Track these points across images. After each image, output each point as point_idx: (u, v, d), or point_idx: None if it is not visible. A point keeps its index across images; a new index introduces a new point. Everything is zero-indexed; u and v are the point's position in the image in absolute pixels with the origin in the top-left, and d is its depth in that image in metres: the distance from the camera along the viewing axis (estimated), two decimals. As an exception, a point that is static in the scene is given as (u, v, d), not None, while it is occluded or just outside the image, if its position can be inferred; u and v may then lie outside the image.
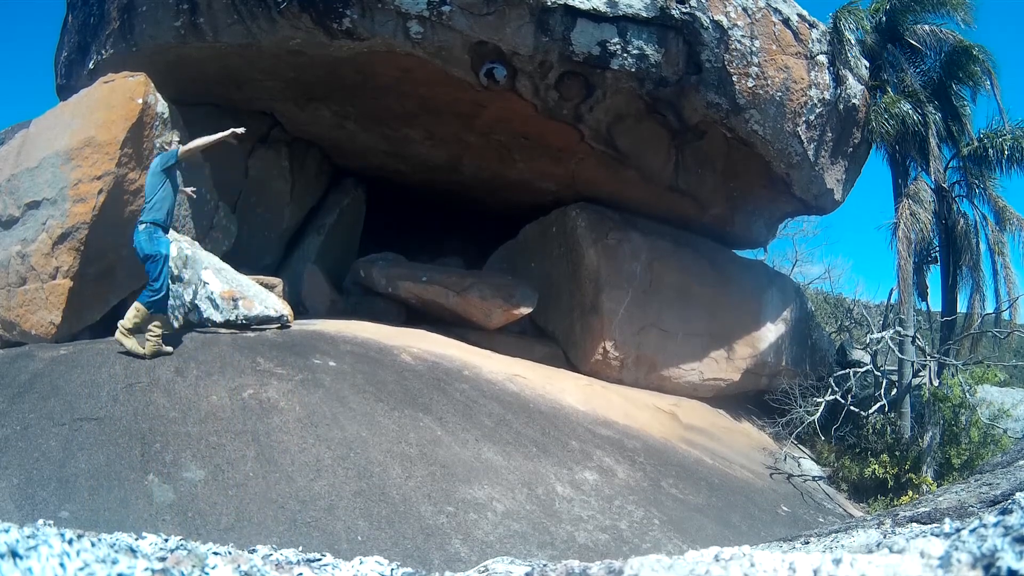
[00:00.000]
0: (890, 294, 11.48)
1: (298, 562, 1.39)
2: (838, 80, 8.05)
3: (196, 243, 6.60)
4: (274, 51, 6.95)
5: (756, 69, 7.13)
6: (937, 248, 9.87)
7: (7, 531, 0.85)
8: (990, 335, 9.58)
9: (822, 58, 7.85)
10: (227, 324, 6.06)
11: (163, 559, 1.00)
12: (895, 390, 8.72)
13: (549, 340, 9.08)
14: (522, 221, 9.68)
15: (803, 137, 7.86)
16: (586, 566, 1.05)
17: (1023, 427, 8.99)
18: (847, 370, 8.86)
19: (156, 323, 5.23)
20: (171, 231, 6.46)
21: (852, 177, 9.43)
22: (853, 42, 8.41)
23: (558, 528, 4.40)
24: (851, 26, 8.43)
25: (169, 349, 5.30)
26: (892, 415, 8.61)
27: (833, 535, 2.60)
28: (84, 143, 6.03)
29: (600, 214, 8.78)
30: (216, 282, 6.14)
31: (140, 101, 6.28)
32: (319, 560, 1.44)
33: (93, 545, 0.91)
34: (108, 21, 7.33)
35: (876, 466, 7.82)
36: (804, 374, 9.17)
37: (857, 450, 8.42)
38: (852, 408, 8.25)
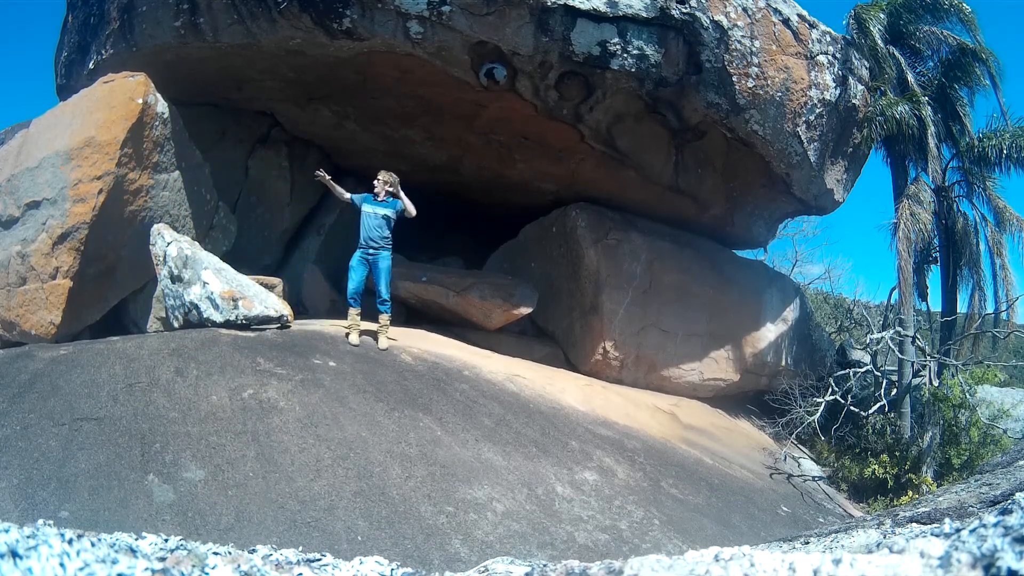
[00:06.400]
0: (890, 294, 11.47)
1: (298, 562, 1.39)
2: (838, 80, 8.05)
3: (196, 243, 6.60)
4: (274, 51, 6.95)
5: (756, 69, 7.13)
6: (937, 248, 9.87)
7: (7, 531, 0.85)
8: (990, 335, 9.57)
9: (822, 58, 7.84)
10: (227, 324, 6.05)
11: (163, 559, 1.00)
12: (895, 390, 8.71)
13: (549, 340, 9.07)
14: (522, 221, 9.67)
15: (803, 137, 7.86)
16: (586, 566, 1.05)
17: (1023, 427, 8.98)
18: (847, 370, 8.84)
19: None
20: (170, 231, 6.47)
21: (852, 177, 9.42)
22: (878, 38, 8.39)
23: (558, 528, 4.40)
24: (876, 26, 8.42)
25: (391, 341, 6.44)
26: (892, 415, 8.60)
27: (833, 535, 2.60)
28: (84, 143, 6.03)
29: (600, 214, 8.78)
30: (216, 282, 6.13)
31: (140, 101, 6.28)
32: (319, 560, 1.44)
33: (93, 545, 0.91)
34: (108, 21, 7.32)
35: (876, 466, 7.82)
36: (804, 374, 9.17)
37: (857, 450, 8.42)
38: (852, 408, 8.24)
